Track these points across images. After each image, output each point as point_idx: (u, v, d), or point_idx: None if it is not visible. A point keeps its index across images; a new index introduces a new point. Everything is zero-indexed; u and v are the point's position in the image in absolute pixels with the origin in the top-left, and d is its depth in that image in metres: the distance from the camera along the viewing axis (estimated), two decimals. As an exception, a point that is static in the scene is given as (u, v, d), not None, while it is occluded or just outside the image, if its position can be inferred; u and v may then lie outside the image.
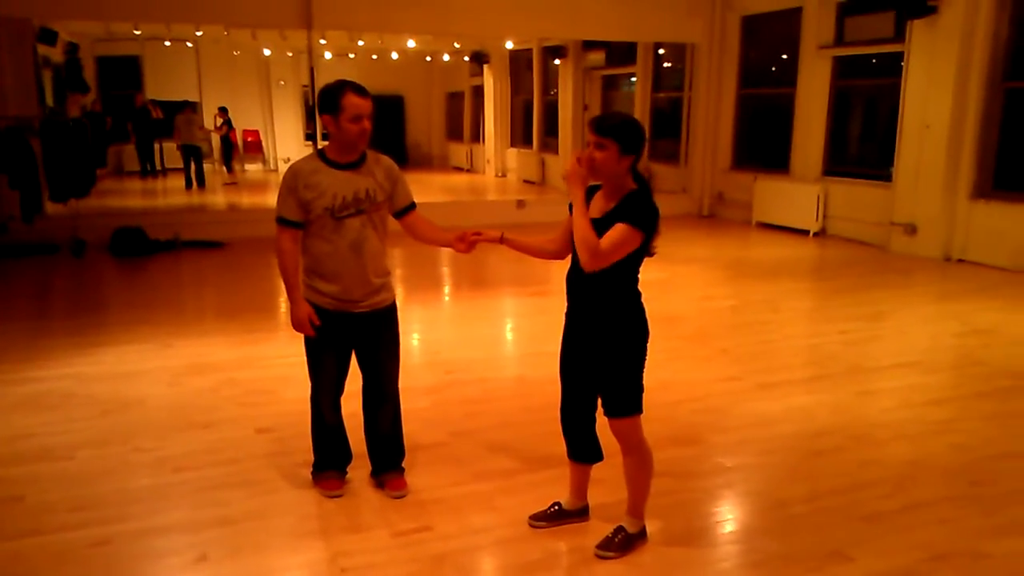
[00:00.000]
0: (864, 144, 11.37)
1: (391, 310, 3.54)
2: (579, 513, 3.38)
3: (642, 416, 3.10)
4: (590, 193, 2.95)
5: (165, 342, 5.98)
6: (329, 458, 3.64)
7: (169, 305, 7.44)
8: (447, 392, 5.01)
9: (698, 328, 6.54)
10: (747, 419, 4.52)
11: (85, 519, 3.37)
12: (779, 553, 3.17)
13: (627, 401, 3.05)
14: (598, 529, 3.27)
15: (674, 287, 8.02)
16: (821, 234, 10.87)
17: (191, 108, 16.26)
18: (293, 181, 3.29)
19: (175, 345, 5.93)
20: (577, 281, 3.01)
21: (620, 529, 3.16)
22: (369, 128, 3.27)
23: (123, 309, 7.43)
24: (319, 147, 3.42)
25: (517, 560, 3.11)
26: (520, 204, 12.44)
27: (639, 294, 3.02)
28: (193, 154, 15.75)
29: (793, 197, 11.21)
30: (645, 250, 2.92)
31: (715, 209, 13.08)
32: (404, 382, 4.93)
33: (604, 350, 3.03)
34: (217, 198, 14.97)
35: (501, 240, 3.20)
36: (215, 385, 5.07)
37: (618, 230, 2.79)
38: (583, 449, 3.28)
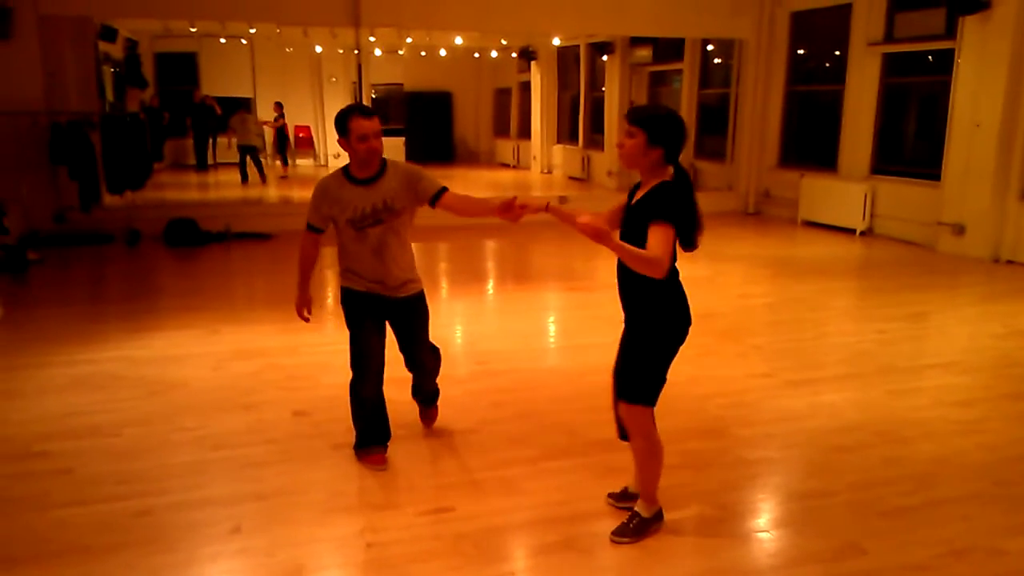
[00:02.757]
0: (913, 142, 11.17)
1: (419, 297, 3.86)
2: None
3: (655, 410, 3.14)
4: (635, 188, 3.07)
5: (212, 328, 6.20)
6: (369, 434, 3.85)
7: (218, 294, 7.69)
8: (479, 382, 5.12)
9: (733, 325, 6.54)
10: (774, 414, 4.54)
11: (129, 491, 3.56)
12: (793, 544, 3.22)
13: (638, 388, 3.11)
14: (621, 518, 3.35)
15: (714, 284, 8.02)
16: (868, 233, 10.74)
17: (245, 108, 16.65)
18: (320, 197, 3.69)
19: (221, 331, 6.15)
20: (621, 276, 3.09)
21: (635, 515, 3.24)
22: (377, 146, 3.54)
23: (174, 296, 7.71)
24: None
25: (536, 541, 3.21)
26: (563, 200, 12.49)
27: (678, 287, 3.06)
28: (250, 152, 16.19)
29: (840, 195, 11.07)
30: (680, 242, 2.94)
31: (761, 207, 12.98)
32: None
33: (631, 333, 3.15)
34: (268, 191, 15.32)
35: (547, 208, 3.26)
36: (257, 370, 5.26)
37: (653, 232, 2.82)
38: (623, 431, 3.32)
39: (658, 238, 2.81)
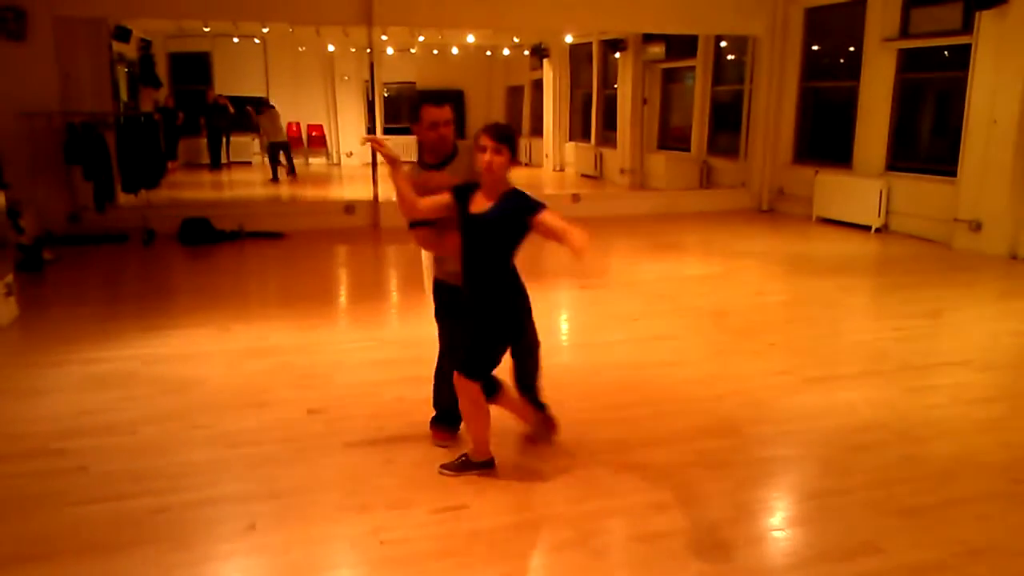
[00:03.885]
0: (929, 139, 11.08)
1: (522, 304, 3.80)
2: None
3: (479, 387, 3.48)
4: (468, 192, 3.44)
5: (226, 327, 6.22)
6: (442, 414, 4.02)
7: (232, 292, 7.72)
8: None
9: (749, 323, 6.51)
10: (789, 413, 4.51)
11: (144, 488, 3.58)
12: (808, 543, 3.20)
13: (466, 360, 3.50)
14: (635, 516, 3.34)
15: (729, 282, 7.99)
16: (883, 230, 10.66)
17: (271, 106, 16.57)
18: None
19: (235, 330, 6.17)
20: (475, 265, 3.49)
21: (464, 456, 3.72)
22: (446, 134, 3.65)
23: (188, 295, 7.74)
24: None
25: (549, 539, 3.21)
26: (575, 198, 12.48)
27: (515, 276, 3.51)
28: (283, 148, 16.28)
29: (855, 192, 11.00)
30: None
31: (775, 204, 12.91)
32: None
33: (479, 316, 3.52)
34: (280, 191, 15.37)
35: (394, 163, 3.46)
36: (271, 368, 5.27)
37: (550, 217, 3.27)
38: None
39: (554, 216, 3.27)
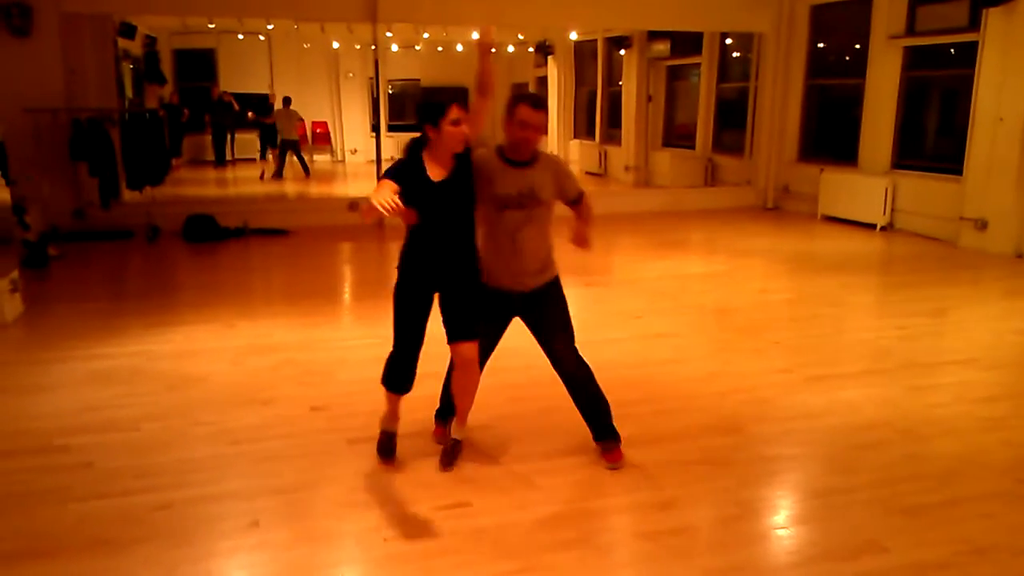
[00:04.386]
0: (934, 137, 11.04)
1: (551, 283, 3.76)
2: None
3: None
4: (418, 152, 3.49)
5: (230, 323, 6.23)
6: (443, 409, 4.04)
7: (236, 289, 7.73)
8: (496, 377, 5.02)
9: (753, 320, 6.50)
10: (792, 411, 4.51)
11: (148, 485, 3.59)
12: (812, 541, 3.19)
13: (470, 325, 3.65)
14: (638, 514, 3.34)
15: (733, 280, 7.98)
16: (888, 228, 10.63)
17: (288, 104, 16.52)
18: (477, 168, 3.59)
19: (239, 326, 6.17)
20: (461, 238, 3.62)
21: (455, 440, 3.86)
22: (532, 138, 3.54)
23: (192, 292, 7.76)
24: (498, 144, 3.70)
25: (552, 537, 3.20)
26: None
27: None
28: (292, 147, 16.28)
29: (860, 190, 10.96)
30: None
31: (780, 202, 12.88)
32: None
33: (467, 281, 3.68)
34: (285, 188, 15.37)
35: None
36: (275, 365, 5.28)
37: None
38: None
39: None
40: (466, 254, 3.60)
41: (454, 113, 3.44)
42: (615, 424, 3.83)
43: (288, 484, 3.61)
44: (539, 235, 3.64)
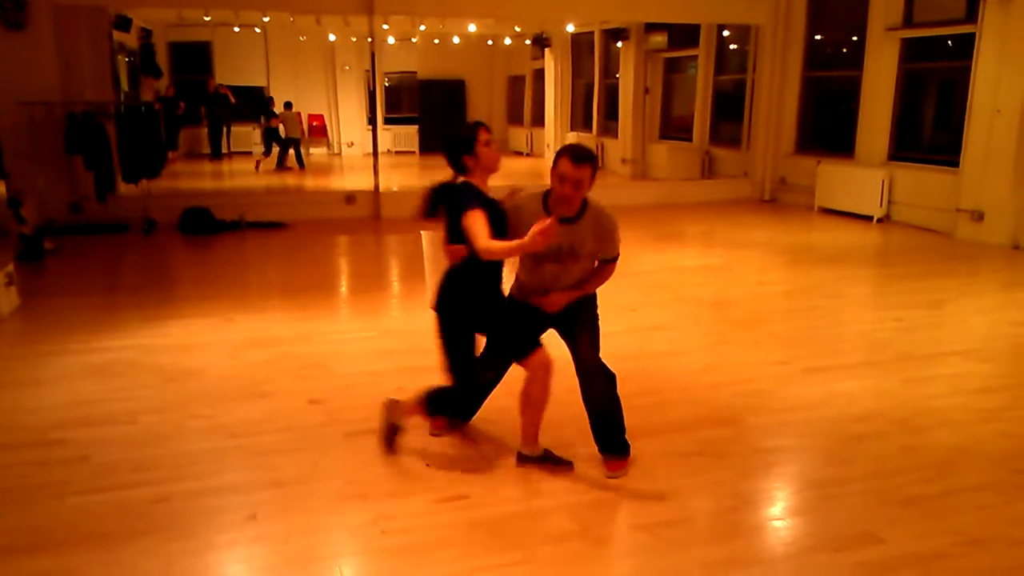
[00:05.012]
0: (931, 129, 11.05)
1: (585, 298, 3.64)
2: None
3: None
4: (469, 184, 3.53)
5: (227, 316, 6.22)
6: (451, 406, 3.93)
7: (233, 282, 7.72)
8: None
9: (749, 312, 6.50)
10: (789, 402, 4.51)
11: (145, 478, 3.58)
12: (808, 532, 3.20)
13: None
14: (636, 506, 3.34)
15: (730, 272, 7.98)
16: (885, 220, 10.63)
17: (290, 107, 16.91)
18: (515, 215, 3.47)
19: (236, 319, 6.17)
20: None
21: (546, 450, 3.74)
22: (570, 193, 3.30)
23: (189, 285, 7.75)
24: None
25: (550, 530, 3.21)
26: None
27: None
28: (294, 144, 16.70)
29: (857, 182, 10.97)
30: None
31: (777, 194, 12.88)
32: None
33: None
34: (281, 180, 15.35)
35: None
36: (272, 358, 5.27)
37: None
38: None
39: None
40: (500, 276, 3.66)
41: (483, 135, 3.53)
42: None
43: (286, 477, 3.61)
44: (571, 278, 3.53)
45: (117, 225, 9.97)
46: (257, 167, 16.20)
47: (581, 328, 3.67)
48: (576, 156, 3.29)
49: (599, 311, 3.70)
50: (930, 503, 3.40)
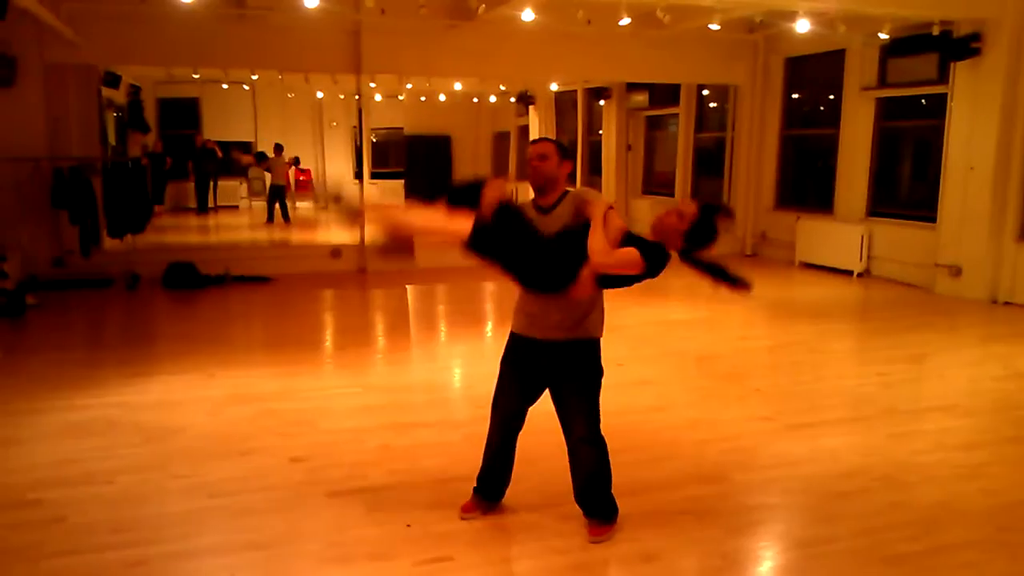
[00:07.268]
0: (908, 185, 11.26)
1: (578, 344, 3.48)
2: None
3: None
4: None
5: (210, 372, 6.18)
6: (482, 478, 3.78)
7: (216, 337, 7.67)
8: (479, 426, 5.01)
9: (733, 368, 6.53)
10: (774, 459, 4.51)
11: (123, 540, 3.51)
12: (796, 592, 3.18)
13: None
14: (624, 566, 3.30)
15: (712, 326, 8.02)
16: (865, 275, 10.76)
17: (280, 151, 16.82)
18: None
19: (219, 376, 6.12)
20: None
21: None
22: (537, 165, 3.47)
23: (171, 341, 7.69)
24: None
25: (534, 592, 3.17)
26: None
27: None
28: (278, 193, 16.54)
29: (837, 237, 11.13)
30: None
31: (758, 248, 13.03)
32: (437, 415, 5.03)
33: None
34: (267, 235, 15.38)
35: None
36: (254, 415, 5.22)
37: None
38: None
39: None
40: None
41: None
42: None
43: (267, 539, 3.55)
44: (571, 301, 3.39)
45: (101, 280, 9.93)
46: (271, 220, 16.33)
47: (580, 400, 3.49)
48: (535, 139, 3.63)
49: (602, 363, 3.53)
50: (916, 561, 3.39)
